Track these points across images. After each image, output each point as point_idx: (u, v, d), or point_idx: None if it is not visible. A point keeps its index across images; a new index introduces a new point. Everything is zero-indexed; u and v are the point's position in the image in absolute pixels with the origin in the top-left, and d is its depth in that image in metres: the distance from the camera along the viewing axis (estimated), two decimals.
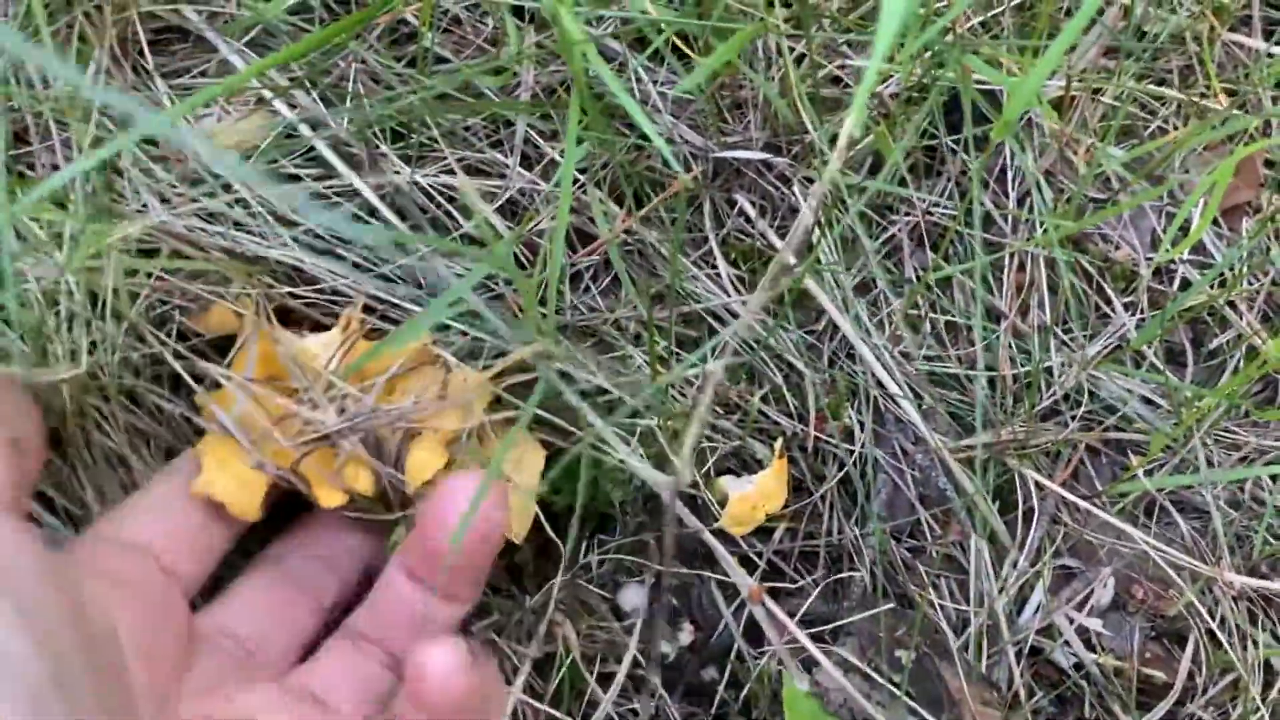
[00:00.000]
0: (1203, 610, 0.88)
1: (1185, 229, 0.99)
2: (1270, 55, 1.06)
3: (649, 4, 0.75)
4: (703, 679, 0.84)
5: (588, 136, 0.78)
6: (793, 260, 0.89)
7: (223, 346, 0.77)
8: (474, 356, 0.81)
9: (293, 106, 0.80)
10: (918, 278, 0.93)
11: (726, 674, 0.83)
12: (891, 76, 0.90)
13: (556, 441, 0.81)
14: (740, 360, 0.90)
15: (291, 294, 0.78)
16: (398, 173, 0.81)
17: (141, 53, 0.78)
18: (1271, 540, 0.89)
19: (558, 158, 0.87)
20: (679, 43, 0.90)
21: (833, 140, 0.89)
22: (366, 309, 0.77)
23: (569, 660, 0.76)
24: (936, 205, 0.94)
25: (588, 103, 0.68)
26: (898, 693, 0.77)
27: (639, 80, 0.90)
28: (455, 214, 0.85)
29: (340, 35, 0.74)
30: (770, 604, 0.75)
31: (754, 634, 0.84)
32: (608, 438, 0.71)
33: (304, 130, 0.77)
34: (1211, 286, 0.96)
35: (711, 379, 0.49)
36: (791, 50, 0.92)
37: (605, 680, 0.82)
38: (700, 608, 0.86)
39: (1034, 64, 0.60)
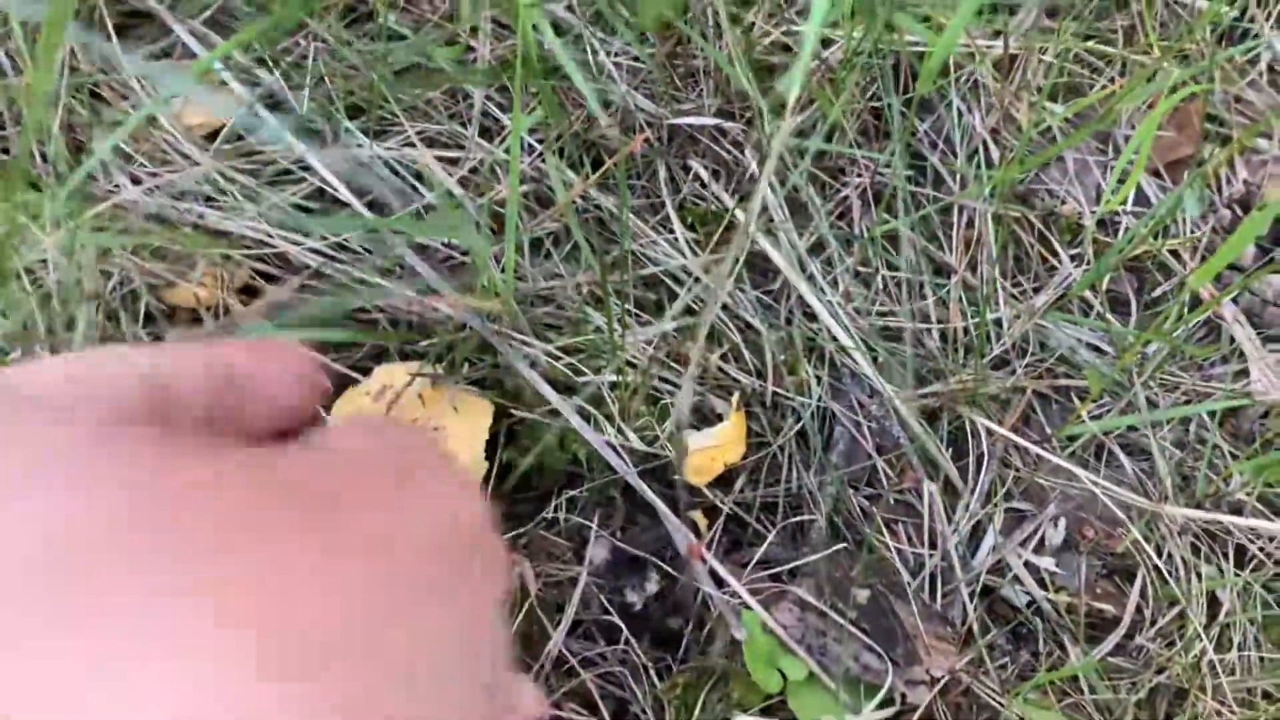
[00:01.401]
0: (1149, 547, 0.91)
1: (1126, 180, 1.02)
2: (1201, 10, 1.09)
3: None
4: (669, 626, 0.88)
5: (539, 105, 0.81)
6: (752, 226, 0.92)
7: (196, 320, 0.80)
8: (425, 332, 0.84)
9: (256, 85, 0.83)
10: (869, 236, 0.96)
11: (692, 620, 0.87)
12: (835, 42, 0.93)
13: (513, 407, 0.85)
14: (697, 320, 0.93)
15: (256, 271, 0.81)
16: (360, 146, 0.84)
17: (109, 37, 0.81)
18: (1213, 477, 0.92)
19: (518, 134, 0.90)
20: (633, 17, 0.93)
21: (779, 107, 0.92)
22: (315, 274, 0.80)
23: (527, 603, 0.79)
24: (887, 166, 0.98)
25: (535, 69, 0.71)
26: (852, 629, 0.81)
27: (594, 52, 0.93)
28: (419, 185, 0.88)
29: (297, 14, 0.77)
30: (710, 559, 0.78)
31: (718, 580, 0.88)
32: (557, 405, 0.74)
33: (262, 112, 0.80)
34: (1155, 237, 0.99)
35: (697, 352, 0.52)
36: (739, 21, 0.95)
37: (573, 627, 0.86)
38: (667, 558, 0.89)
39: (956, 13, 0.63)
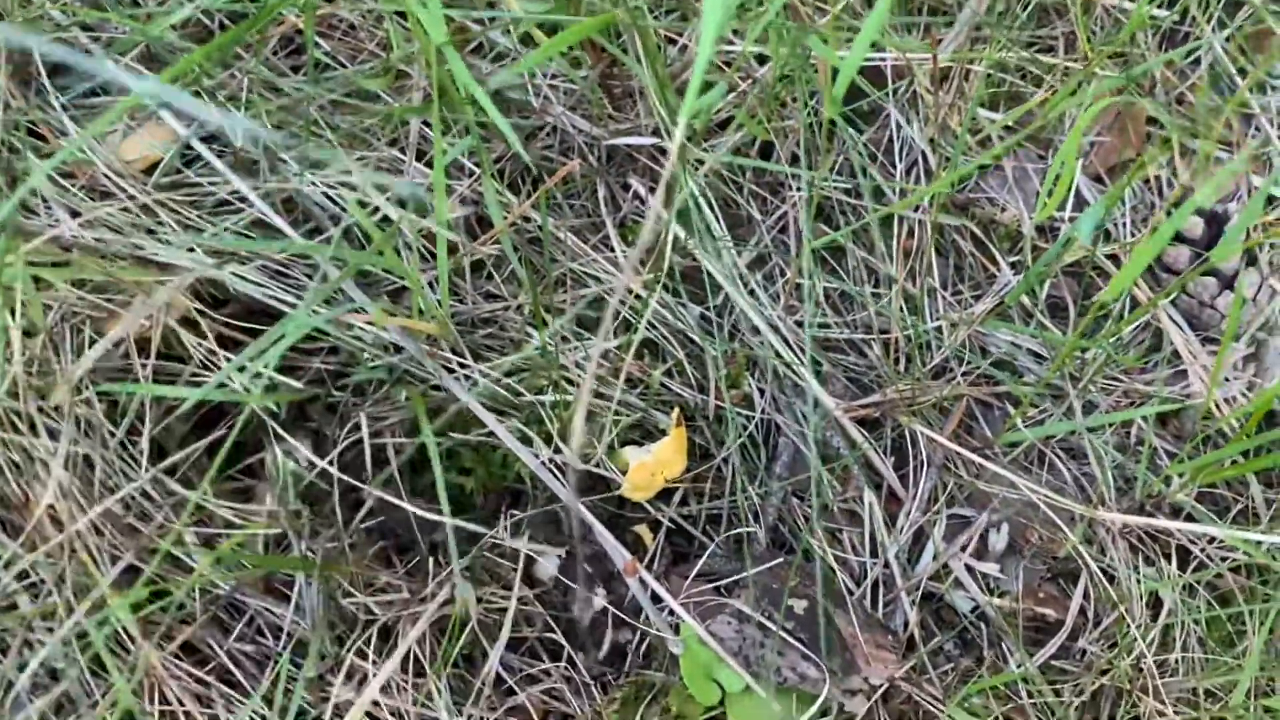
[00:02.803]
0: (1091, 551, 0.92)
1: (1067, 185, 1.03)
2: (1151, 18, 1.10)
3: (515, 3, 0.79)
4: (617, 640, 0.89)
5: (467, 133, 0.82)
6: (684, 235, 0.94)
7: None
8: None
9: (190, 122, 0.85)
10: (810, 249, 0.98)
11: (638, 634, 0.88)
12: (769, 61, 0.95)
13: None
14: (639, 336, 0.94)
15: (199, 309, 0.82)
16: (297, 174, 0.85)
17: (39, 76, 0.82)
18: (1153, 478, 0.93)
19: (458, 156, 0.91)
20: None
21: (710, 128, 0.93)
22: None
23: (465, 627, 0.80)
24: (825, 180, 0.99)
25: (458, 99, 0.72)
26: (789, 638, 0.82)
27: (532, 76, 0.95)
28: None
29: (227, 47, 0.78)
30: (645, 575, 0.79)
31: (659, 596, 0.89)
32: (493, 428, 0.75)
33: (198, 145, 0.81)
34: (1094, 242, 1.00)
35: (595, 355, 0.53)
36: (674, 43, 0.96)
37: (518, 644, 0.87)
38: (615, 573, 0.91)
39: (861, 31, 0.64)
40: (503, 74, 0.81)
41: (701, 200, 0.93)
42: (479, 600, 0.81)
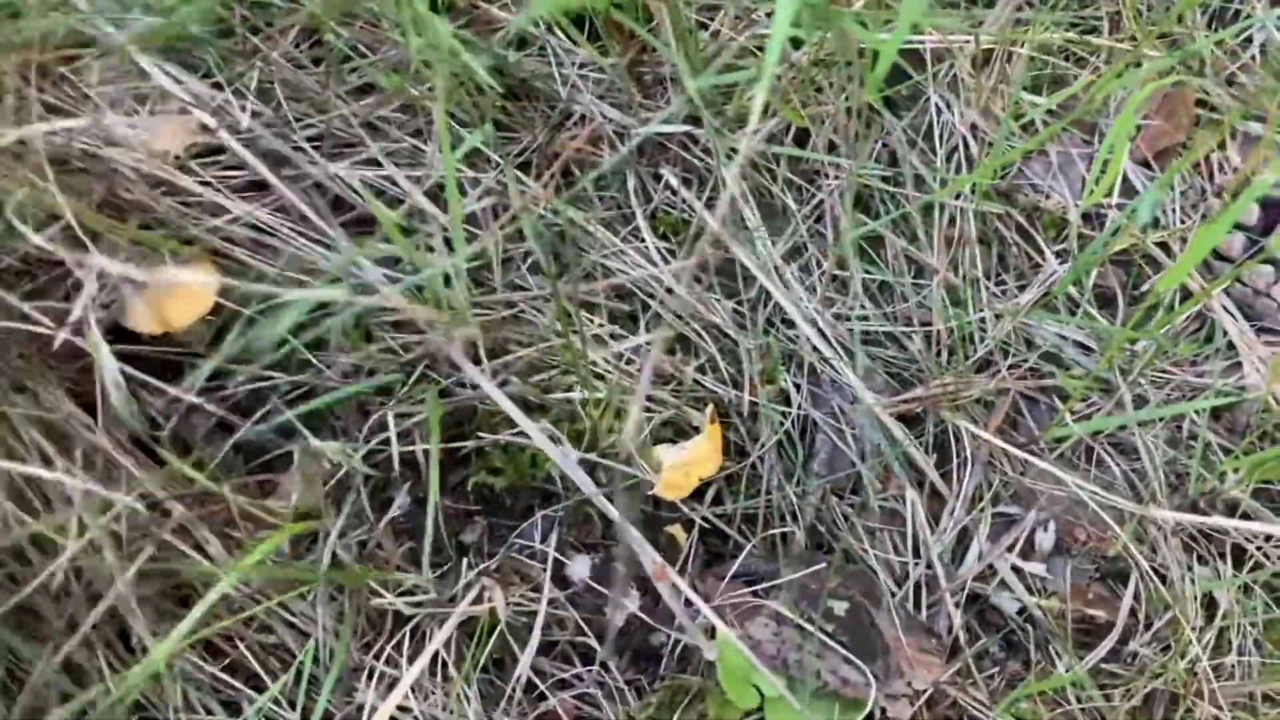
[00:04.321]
0: (1143, 548, 0.89)
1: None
2: None
3: None
4: (651, 644, 0.86)
5: (484, 122, 0.80)
6: (717, 226, 0.91)
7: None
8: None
9: (215, 112, 0.83)
10: (848, 239, 0.95)
11: (672, 638, 0.85)
12: (803, 44, 0.91)
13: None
14: (672, 332, 0.91)
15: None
16: (314, 164, 0.83)
17: (61, 67, 0.81)
18: (1207, 475, 0.90)
19: (480, 145, 0.89)
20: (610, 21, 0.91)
21: (740, 119, 0.90)
22: None
23: (498, 627, 0.78)
24: (864, 168, 0.96)
25: (476, 88, 0.70)
26: (829, 642, 0.79)
27: (560, 63, 0.92)
28: (391, 196, 0.87)
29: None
30: (676, 579, 0.77)
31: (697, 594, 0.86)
32: (525, 427, 0.73)
33: (227, 139, 0.79)
34: (1143, 229, 0.97)
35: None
36: (705, 27, 0.94)
37: (549, 648, 0.85)
38: (646, 576, 0.88)
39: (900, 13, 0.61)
40: (516, 21, 0.78)
41: (735, 190, 0.91)
42: (508, 603, 0.79)
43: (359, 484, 0.81)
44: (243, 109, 0.82)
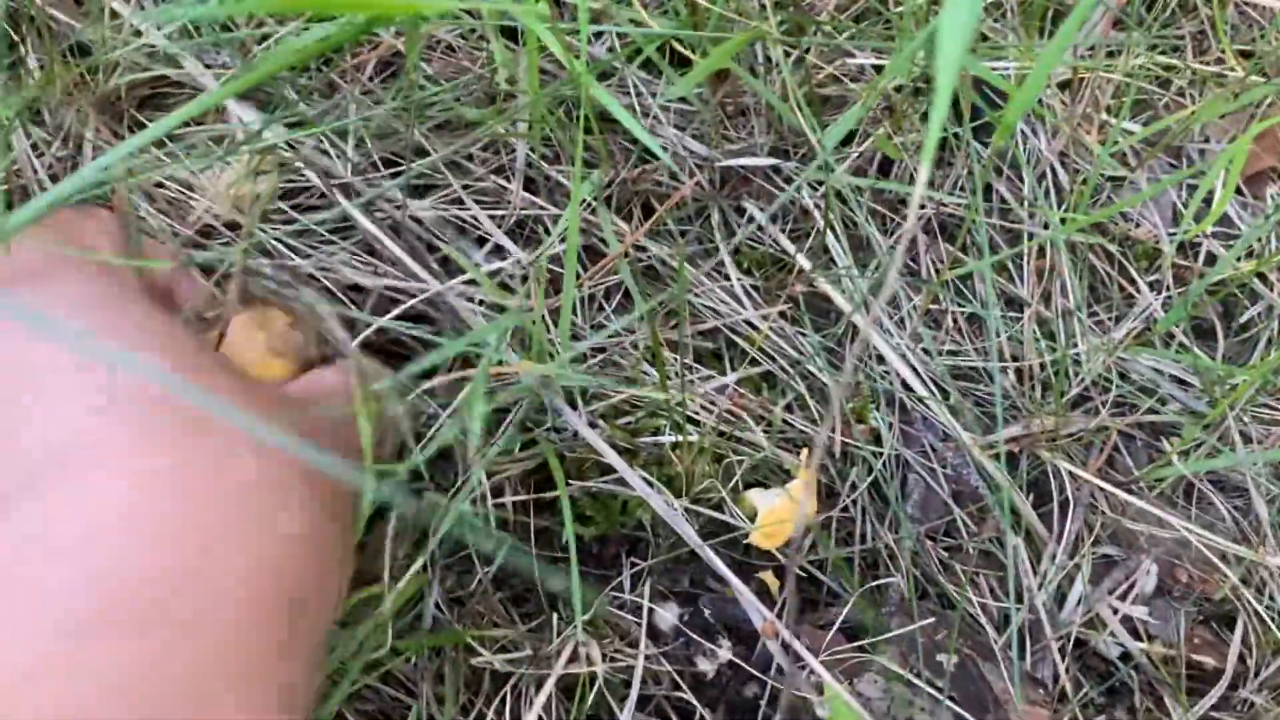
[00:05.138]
0: (1249, 591, 0.86)
1: (1207, 200, 0.97)
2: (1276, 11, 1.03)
3: (645, 15, 0.74)
4: (744, 695, 0.84)
5: (590, 157, 0.77)
6: (808, 265, 0.88)
7: None
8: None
9: (292, 148, 0.80)
10: (935, 272, 0.92)
11: (768, 689, 0.83)
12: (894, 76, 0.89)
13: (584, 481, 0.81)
14: (759, 370, 0.88)
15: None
16: (398, 205, 0.80)
17: (137, 109, 0.78)
18: None
19: (561, 180, 0.86)
20: (682, 51, 0.89)
21: (841, 142, 0.87)
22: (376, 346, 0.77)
23: (595, 684, 0.75)
24: (950, 197, 0.93)
25: (594, 130, 0.67)
26: (940, 698, 0.76)
27: (639, 94, 0.89)
28: (470, 234, 0.84)
29: (312, 58, 0.73)
30: (786, 635, 0.74)
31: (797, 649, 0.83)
32: (623, 473, 0.70)
33: (308, 172, 0.76)
34: (1239, 259, 0.94)
35: None
36: (790, 55, 0.91)
37: (645, 703, 0.82)
38: (740, 622, 0.85)
39: (1036, 61, 0.58)
40: (669, 90, 0.75)
41: (834, 226, 0.88)
42: (604, 656, 0.76)
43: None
44: (326, 152, 0.79)
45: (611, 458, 0.72)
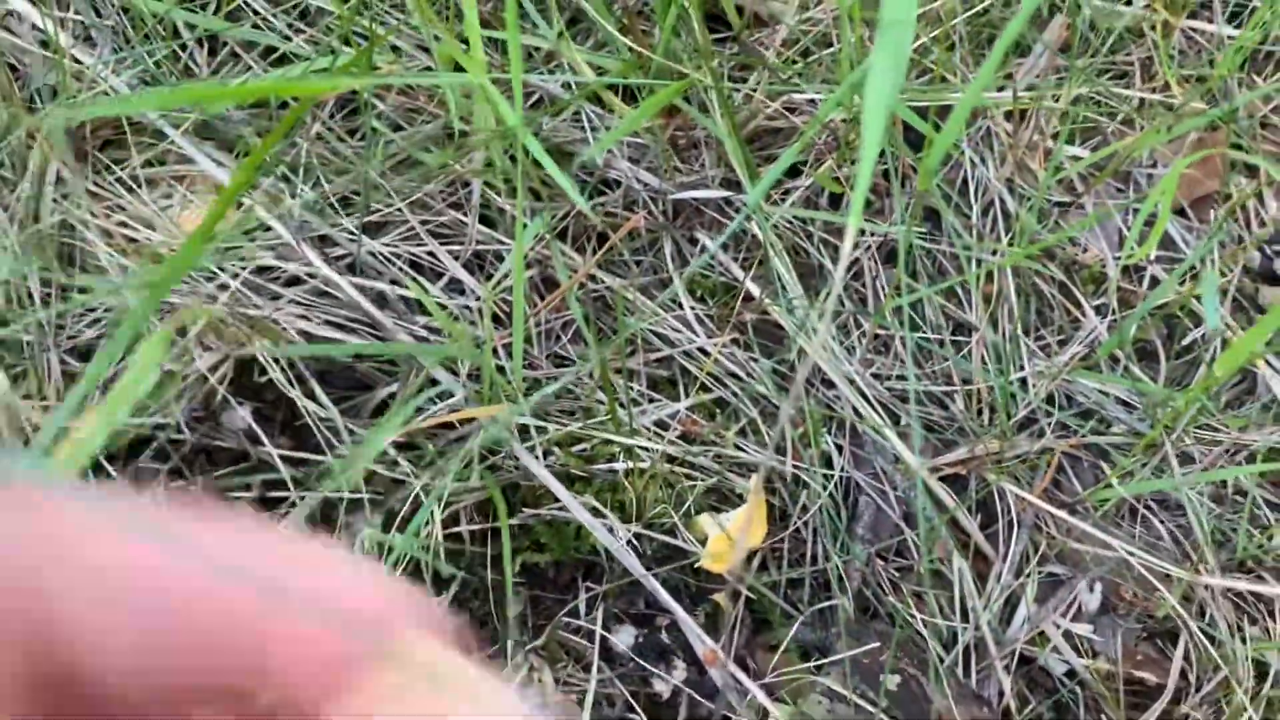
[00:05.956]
0: (1189, 610, 0.88)
1: (1151, 223, 0.99)
2: (1230, 38, 1.05)
3: (583, 64, 0.76)
4: (698, 715, 0.86)
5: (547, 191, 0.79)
6: (757, 292, 0.90)
7: None
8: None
9: (253, 187, 0.82)
10: (881, 299, 0.94)
11: (721, 709, 0.85)
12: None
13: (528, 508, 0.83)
14: (712, 396, 0.91)
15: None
16: (354, 239, 0.83)
17: (100, 150, 0.81)
18: (1255, 533, 0.89)
19: (516, 214, 0.88)
20: (634, 86, 0.91)
21: (789, 174, 0.90)
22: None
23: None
24: (894, 228, 0.95)
25: (547, 169, 0.70)
26: (883, 718, 0.78)
27: (594, 129, 0.92)
28: (426, 269, 0.87)
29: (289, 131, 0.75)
30: (731, 666, 0.76)
31: (745, 666, 0.86)
32: (569, 505, 0.73)
33: (276, 225, 0.79)
34: (1182, 282, 0.96)
35: None
36: (738, 90, 0.93)
37: None
38: (691, 645, 0.87)
39: (957, 105, 0.60)
40: (587, 152, 0.78)
41: (773, 252, 0.90)
42: (557, 680, 0.78)
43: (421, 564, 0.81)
44: (282, 191, 0.81)
45: (557, 489, 0.75)
